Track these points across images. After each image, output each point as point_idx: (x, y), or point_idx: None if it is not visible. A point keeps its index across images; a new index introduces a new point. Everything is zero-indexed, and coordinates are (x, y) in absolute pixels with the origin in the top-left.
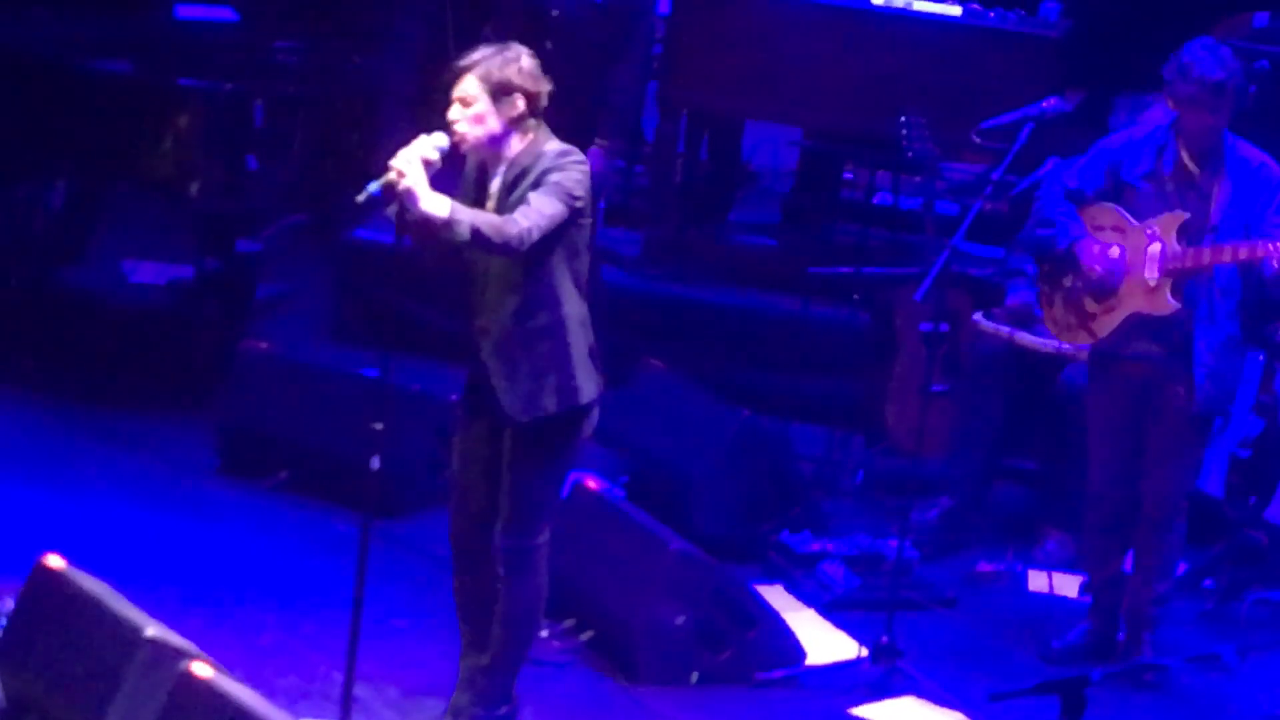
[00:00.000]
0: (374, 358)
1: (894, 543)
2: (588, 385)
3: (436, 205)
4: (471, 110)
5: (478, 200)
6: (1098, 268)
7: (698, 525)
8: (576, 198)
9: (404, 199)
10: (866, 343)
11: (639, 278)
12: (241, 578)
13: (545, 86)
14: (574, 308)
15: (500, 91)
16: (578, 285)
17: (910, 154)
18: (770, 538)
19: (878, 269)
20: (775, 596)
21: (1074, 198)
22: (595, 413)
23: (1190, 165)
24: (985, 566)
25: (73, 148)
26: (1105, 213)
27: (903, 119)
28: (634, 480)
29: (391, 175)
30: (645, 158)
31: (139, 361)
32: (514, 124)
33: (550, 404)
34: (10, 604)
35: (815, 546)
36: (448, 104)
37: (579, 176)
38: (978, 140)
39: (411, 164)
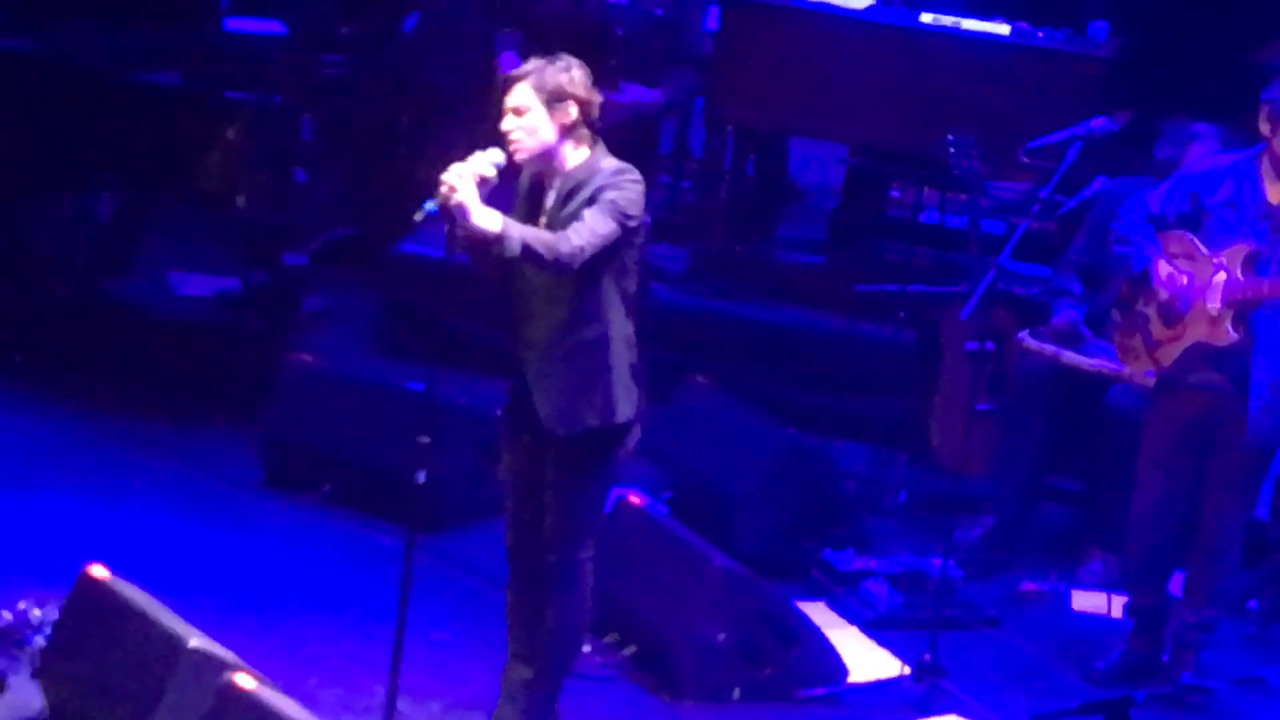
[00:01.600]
0: (419, 371)
1: (937, 561)
2: (626, 404)
3: (488, 220)
4: (525, 119)
5: (531, 215)
6: (1166, 293)
7: (741, 542)
8: (630, 216)
9: (455, 213)
10: (911, 361)
11: (684, 293)
12: (285, 590)
13: (597, 97)
14: (619, 325)
15: (554, 99)
16: (626, 303)
17: (957, 172)
18: (813, 555)
19: (923, 287)
20: (818, 614)
21: (1156, 222)
22: (637, 430)
23: (1272, 196)
24: (1029, 586)
25: (120, 160)
26: (1178, 240)
27: (950, 137)
28: (678, 496)
29: (443, 190)
30: (692, 174)
31: (184, 374)
32: (568, 132)
33: (590, 420)
34: (55, 613)
35: (858, 564)
36: (500, 116)
37: (634, 195)
38: (1025, 159)
39: (463, 179)
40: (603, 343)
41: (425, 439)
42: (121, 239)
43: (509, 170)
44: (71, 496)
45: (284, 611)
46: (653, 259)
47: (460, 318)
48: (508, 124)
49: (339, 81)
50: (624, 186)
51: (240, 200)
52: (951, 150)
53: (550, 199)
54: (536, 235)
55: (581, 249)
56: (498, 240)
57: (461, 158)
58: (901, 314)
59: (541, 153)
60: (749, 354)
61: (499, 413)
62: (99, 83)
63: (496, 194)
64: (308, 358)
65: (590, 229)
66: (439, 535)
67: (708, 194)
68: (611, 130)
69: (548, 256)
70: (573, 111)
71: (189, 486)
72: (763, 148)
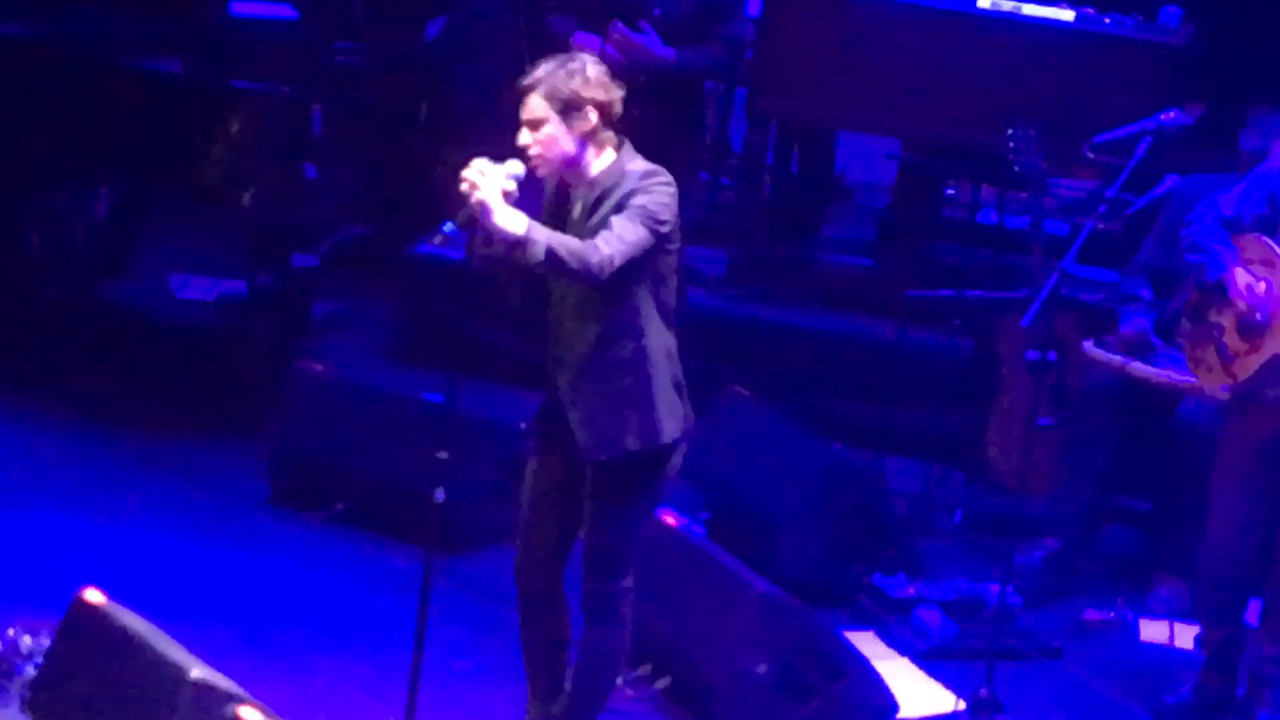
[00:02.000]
0: (438, 381)
1: (995, 587)
2: (670, 423)
3: (512, 221)
4: (542, 132)
5: (557, 226)
6: (1244, 303)
7: (784, 566)
8: (662, 222)
9: (476, 213)
10: (968, 372)
11: (723, 299)
12: (293, 616)
13: (616, 93)
14: (659, 338)
15: (569, 108)
16: (664, 314)
17: (1017, 168)
18: (862, 581)
19: (981, 292)
20: (866, 644)
21: (1230, 226)
22: (682, 450)
23: None
24: (1093, 614)
25: (118, 153)
26: (1256, 245)
27: (1010, 131)
28: (716, 517)
29: (464, 186)
30: (732, 170)
31: (186, 383)
32: (589, 138)
33: (631, 443)
34: (46, 641)
35: (910, 591)
36: (516, 127)
37: (665, 200)
38: (1090, 155)
39: (486, 175)
40: (641, 358)
41: (444, 454)
42: (119, 238)
43: (534, 181)
44: (65, 515)
45: (292, 639)
46: (690, 261)
47: (482, 324)
48: (524, 139)
49: (353, 70)
50: (653, 190)
51: (246, 197)
52: (1011, 145)
53: (576, 209)
54: (563, 242)
55: (610, 259)
56: (520, 245)
57: (485, 153)
58: (957, 321)
59: (562, 165)
60: (792, 364)
61: (524, 426)
62: (95, 70)
63: (522, 205)
64: (318, 366)
65: (619, 237)
66: (459, 557)
67: (748, 192)
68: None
69: (574, 265)
70: (592, 117)
71: (190, 504)
72: (808, 142)
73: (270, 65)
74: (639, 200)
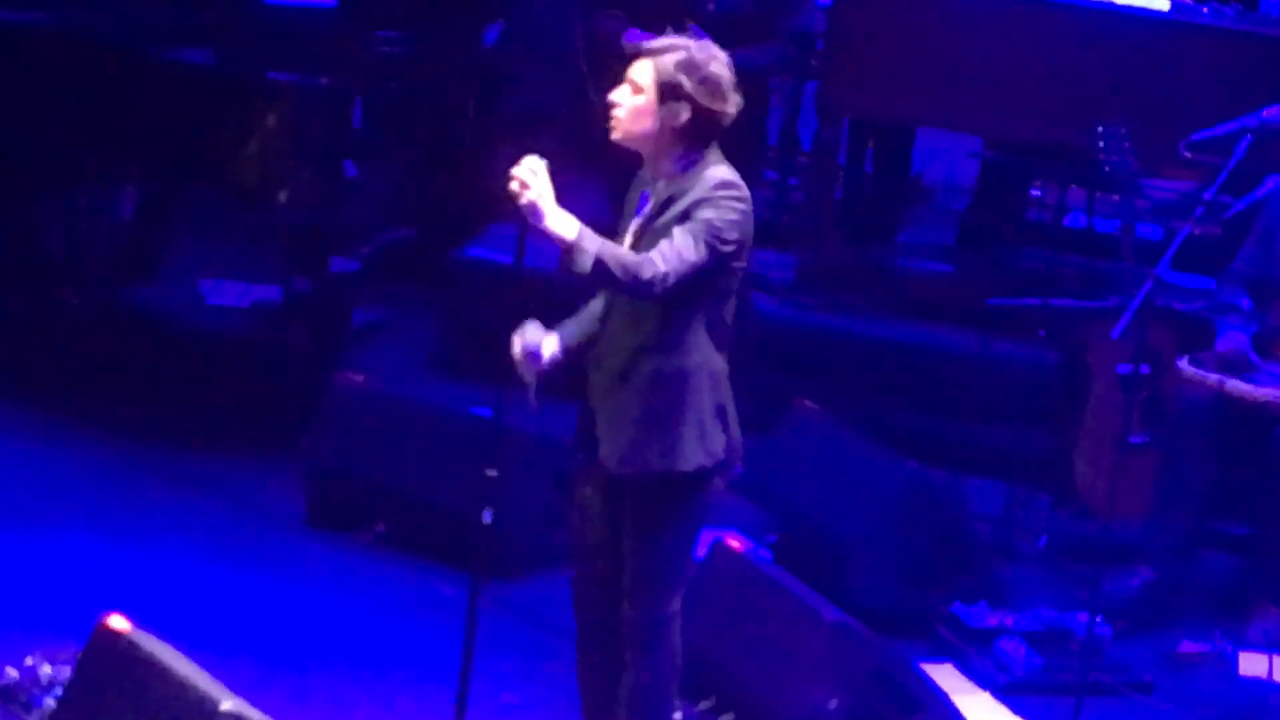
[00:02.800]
0: (486, 395)
1: (1083, 617)
2: (696, 449)
3: (563, 225)
4: (635, 100)
5: (629, 217)
6: None
7: (856, 593)
8: (727, 241)
9: (526, 214)
10: (1054, 386)
11: (792, 307)
12: (330, 645)
13: (726, 105)
14: (704, 358)
15: (668, 93)
16: (716, 334)
17: (1108, 169)
18: (940, 609)
19: (1068, 301)
20: (945, 677)
21: None
22: (719, 481)
23: None
24: (1189, 646)
25: (145, 149)
26: None
27: (1100, 128)
28: (783, 540)
29: (513, 186)
30: (802, 169)
31: (216, 395)
32: (675, 135)
33: (651, 461)
34: (67, 671)
35: (992, 620)
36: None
37: (734, 216)
38: (1187, 154)
39: (537, 174)
40: (680, 377)
41: (493, 472)
42: (145, 240)
43: (568, 172)
44: (87, 536)
45: (329, 670)
46: (756, 267)
47: None
48: (617, 95)
49: (396, 60)
50: (721, 204)
51: (282, 196)
52: (1101, 143)
53: (651, 204)
54: (615, 253)
55: (665, 276)
56: (569, 250)
57: (534, 150)
58: (1043, 332)
59: (636, 141)
60: (866, 376)
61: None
62: (120, 61)
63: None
64: (358, 378)
65: (678, 253)
66: (508, 583)
67: (819, 193)
68: None
69: (623, 279)
70: (683, 116)
71: (221, 525)
72: (883, 139)
73: (308, 55)
74: (705, 214)
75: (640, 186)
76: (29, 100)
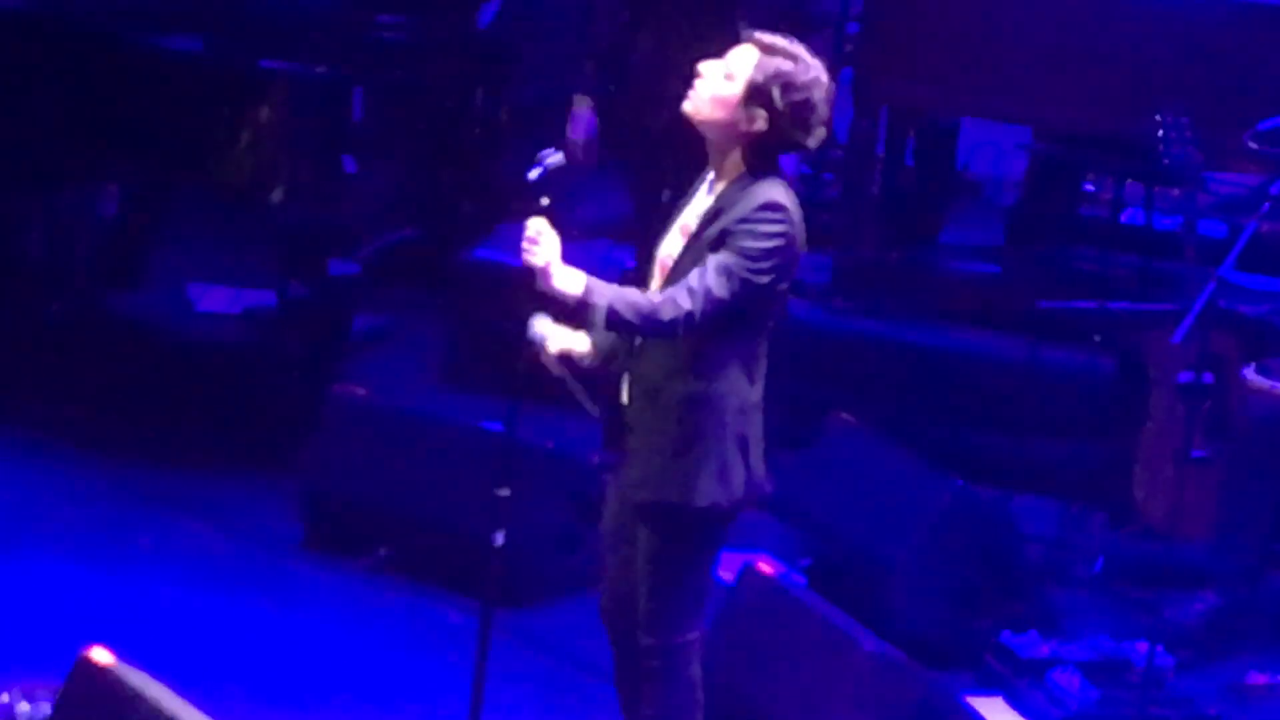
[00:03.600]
0: (497, 408)
1: (1143, 647)
2: (713, 488)
3: (569, 282)
4: (723, 87)
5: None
6: None
7: (898, 621)
8: (762, 272)
9: (536, 275)
10: (1110, 396)
11: (827, 311)
12: (329, 679)
13: (808, 140)
14: (731, 387)
15: (754, 96)
16: (749, 363)
17: (1168, 160)
18: (988, 638)
19: (1125, 304)
20: (993, 711)
21: None
22: (733, 515)
23: None
24: (1258, 678)
25: (128, 145)
26: None
27: (1159, 117)
28: (818, 564)
29: (523, 246)
30: (836, 163)
31: (206, 409)
32: (743, 139)
33: (668, 491)
34: (47, 708)
35: (1044, 650)
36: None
37: (772, 244)
38: (1253, 145)
39: (544, 234)
40: (707, 405)
41: (505, 491)
42: (130, 243)
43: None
44: (67, 561)
45: (328, 706)
46: None
47: None
48: (707, 67)
49: (399, 48)
50: (759, 232)
51: (276, 195)
52: (1161, 133)
53: (701, 205)
54: (629, 300)
55: (690, 315)
56: (581, 306)
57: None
58: (1098, 337)
59: (705, 125)
60: (907, 386)
61: (595, 459)
62: (102, 49)
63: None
64: (359, 390)
65: (706, 291)
66: (522, 610)
67: (856, 188)
68: None
69: (641, 325)
70: (760, 124)
71: (212, 550)
72: (925, 131)
73: (303, 42)
74: (742, 243)
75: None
76: (3, 95)
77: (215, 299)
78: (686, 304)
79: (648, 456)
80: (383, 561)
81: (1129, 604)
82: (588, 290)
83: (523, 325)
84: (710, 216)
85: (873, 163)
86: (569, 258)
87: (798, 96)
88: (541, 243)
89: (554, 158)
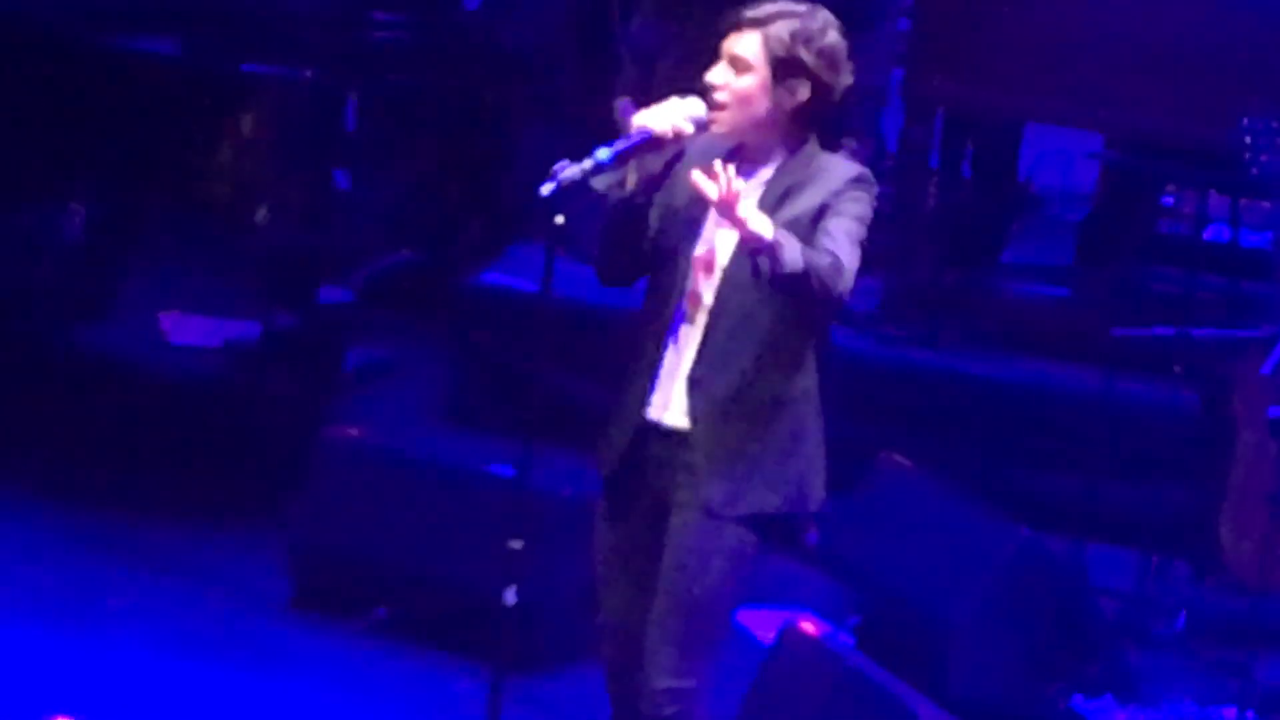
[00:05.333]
0: (508, 450)
1: (1231, 712)
2: (819, 488)
3: (759, 220)
4: (743, 81)
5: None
6: None
7: (957, 685)
8: (863, 244)
9: (718, 206)
10: (1193, 434)
11: (877, 340)
12: None
13: (845, 79)
14: (814, 376)
15: (787, 68)
16: (818, 348)
17: (1255, 171)
18: (1059, 704)
19: (1209, 331)
20: None
21: None
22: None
23: None
24: None
25: (97, 160)
26: None
27: (1245, 122)
28: (868, 622)
29: (641, 134)
30: (887, 174)
31: (183, 454)
32: (789, 117)
33: (771, 502)
34: None
35: (1121, 716)
36: (707, 59)
37: (872, 213)
38: None
39: (665, 128)
40: (804, 401)
41: (517, 543)
42: (98, 268)
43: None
44: (32, 625)
45: None
46: None
47: (566, 373)
48: (718, 75)
49: (396, 48)
50: (865, 199)
51: (260, 214)
52: (1248, 140)
53: (754, 196)
54: (812, 255)
55: (843, 283)
56: (763, 250)
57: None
58: (1178, 368)
59: (744, 131)
60: (966, 424)
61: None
62: (69, 53)
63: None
64: (353, 431)
65: (847, 253)
66: (535, 677)
67: (909, 202)
68: None
69: (817, 287)
70: (804, 94)
71: (190, 611)
72: (984, 138)
73: (291, 44)
74: (854, 208)
75: (695, 162)
76: None
77: (192, 331)
78: (839, 272)
79: (741, 468)
80: (381, 623)
81: (1215, 665)
82: (779, 232)
83: (532, 360)
84: (779, 199)
85: (927, 174)
86: (582, 278)
87: (821, 43)
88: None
89: (568, 171)
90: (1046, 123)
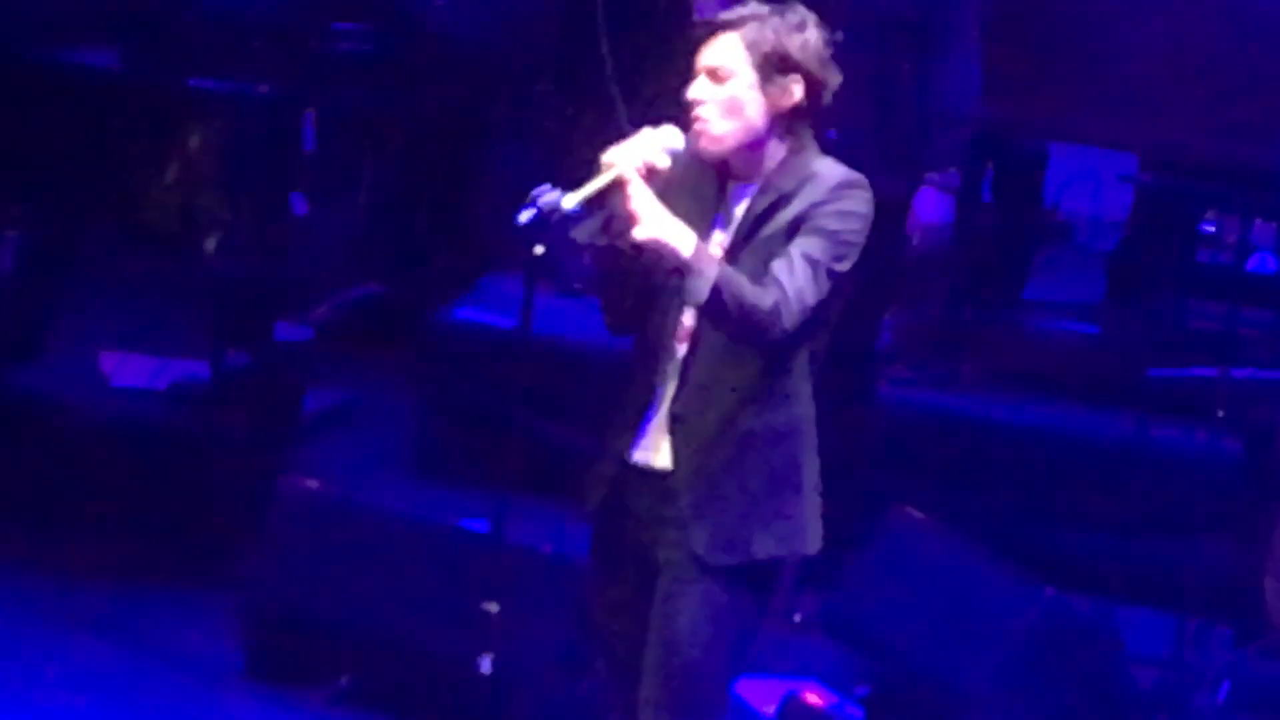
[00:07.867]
0: (482, 502)
1: None
2: (817, 529)
3: (676, 235)
4: (726, 90)
5: (697, 231)
6: None
7: None
8: (845, 259)
9: (625, 217)
10: (1236, 484)
11: (889, 382)
12: None
13: (834, 76)
14: (809, 407)
15: (774, 67)
16: (812, 371)
17: None
18: None
19: (1253, 371)
20: None
21: None
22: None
23: None
24: None
25: (29, 183)
26: None
27: None
28: (878, 692)
29: (608, 176)
30: None
31: (125, 508)
32: (783, 122)
33: (764, 546)
34: None
35: None
36: (680, 78)
37: (859, 225)
38: None
39: (632, 163)
40: (795, 434)
41: (492, 606)
42: (28, 305)
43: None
44: None
45: None
46: None
47: (544, 420)
48: (699, 91)
49: (356, 62)
50: (848, 212)
51: (209, 243)
52: None
53: (740, 210)
54: (736, 282)
55: (790, 305)
56: (680, 270)
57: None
58: (1221, 413)
59: (739, 144)
60: (987, 474)
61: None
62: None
63: None
64: (312, 483)
65: (799, 292)
66: None
67: None
68: None
69: (737, 317)
70: (796, 92)
71: (134, 681)
72: (1006, 159)
73: (242, 57)
74: (830, 224)
75: (696, 166)
76: None
77: (134, 372)
78: (792, 299)
79: (724, 512)
80: (343, 694)
81: None
82: (699, 251)
83: (509, 404)
84: (764, 213)
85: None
86: (565, 313)
87: (807, 36)
88: (633, 178)
89: (548, 196)
90: (1075, 142)
